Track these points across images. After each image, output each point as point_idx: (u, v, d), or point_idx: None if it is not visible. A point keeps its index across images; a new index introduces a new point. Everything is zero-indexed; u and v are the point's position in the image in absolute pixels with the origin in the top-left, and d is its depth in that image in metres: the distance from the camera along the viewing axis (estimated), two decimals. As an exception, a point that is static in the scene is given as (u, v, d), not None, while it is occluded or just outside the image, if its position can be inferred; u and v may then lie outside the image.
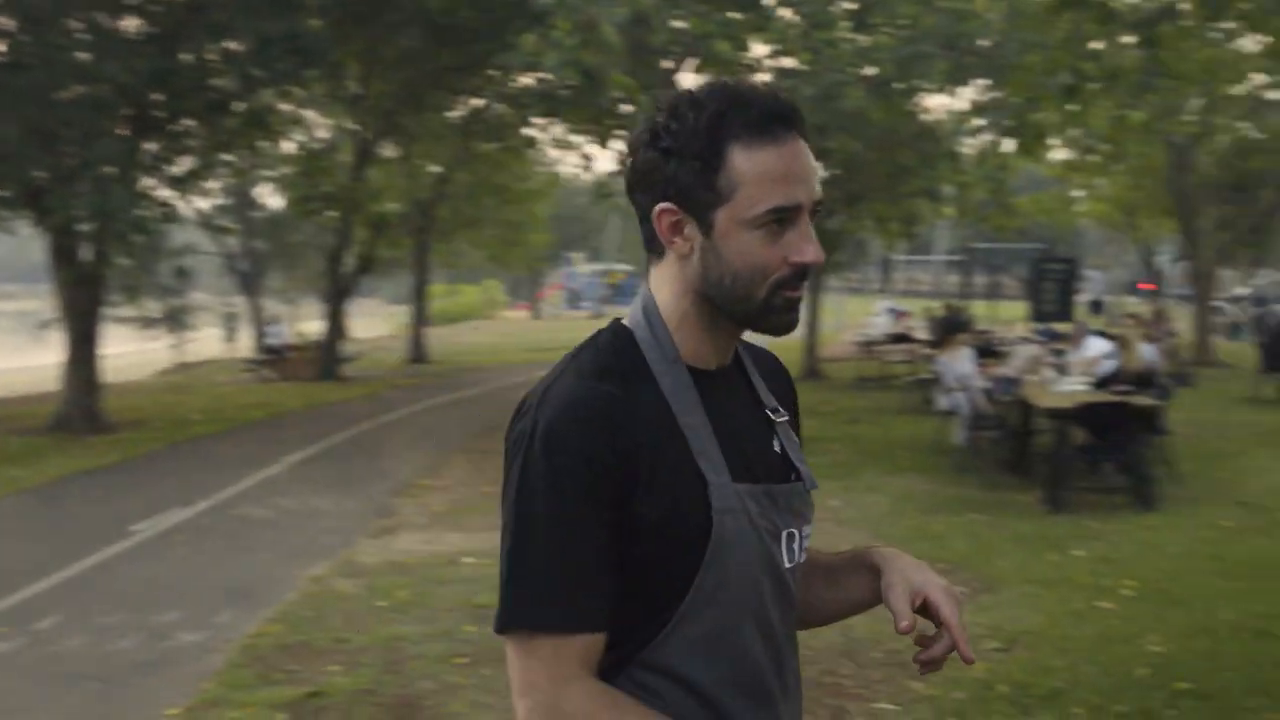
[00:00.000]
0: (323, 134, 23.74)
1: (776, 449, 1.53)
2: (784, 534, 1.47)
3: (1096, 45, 7.88)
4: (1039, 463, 9.81)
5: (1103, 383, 9.89)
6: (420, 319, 27.43)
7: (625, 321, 1.50)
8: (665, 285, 1.47)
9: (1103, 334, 11.86)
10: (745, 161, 1.38)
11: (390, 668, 5.31)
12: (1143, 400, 8.90)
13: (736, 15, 12.74)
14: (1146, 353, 11.28)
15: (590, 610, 1.37)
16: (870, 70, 13.29)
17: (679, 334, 1.46)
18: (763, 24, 12.84)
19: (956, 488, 9.58)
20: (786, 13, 13.15)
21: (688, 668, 1.41)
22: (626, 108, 13.88)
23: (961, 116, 16.85)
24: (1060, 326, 16.65)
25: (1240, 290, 28.31)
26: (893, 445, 11.86)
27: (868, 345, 20.46)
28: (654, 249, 1.47)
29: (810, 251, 1.40)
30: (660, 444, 1.38)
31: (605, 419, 1.36)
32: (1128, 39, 8.08)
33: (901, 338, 20.24)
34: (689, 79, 14.39)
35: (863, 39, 13.46)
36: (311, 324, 27.66)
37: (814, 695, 4.68)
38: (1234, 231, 23.06)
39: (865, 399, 16.48)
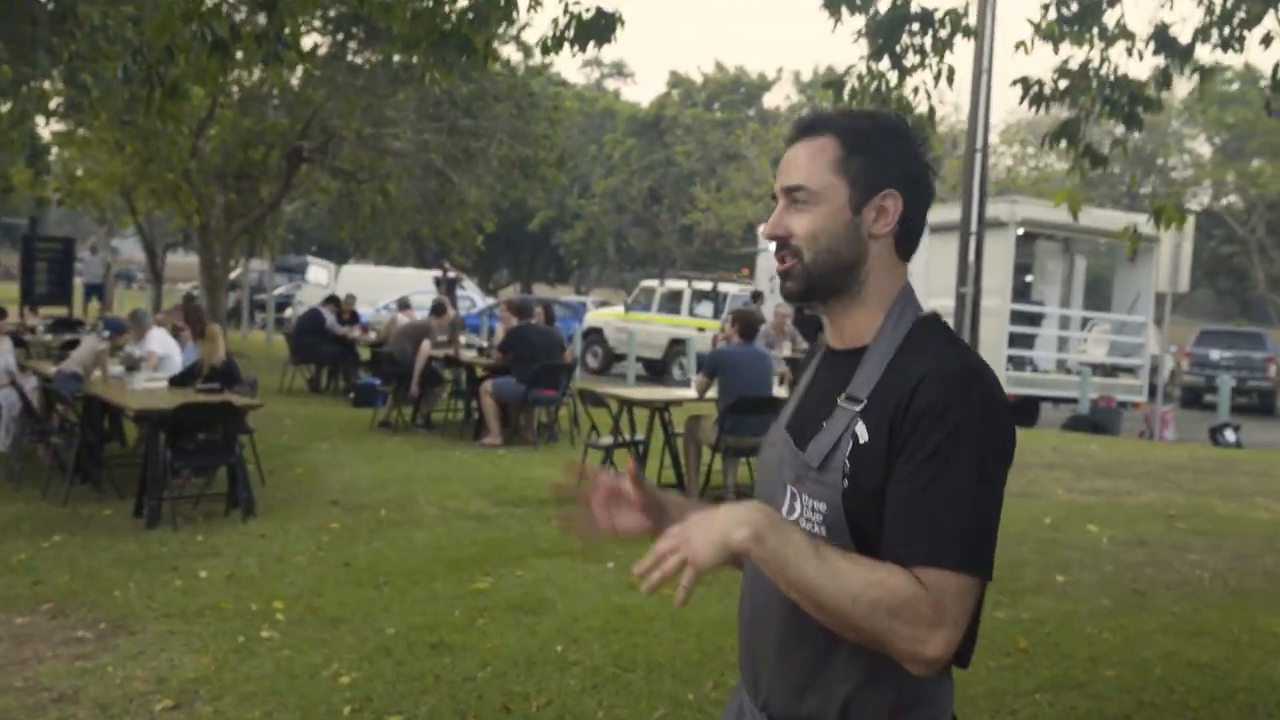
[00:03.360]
0: None
1: (824, 424, 1.66)
2: (789, 489, 1.68)
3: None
4: (117, 471, 8.75)
5: (181, 379, 9.15)
6: None
7: None
8: None
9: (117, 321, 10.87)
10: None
11: None
12: (239, 398, 8.38)
13: None
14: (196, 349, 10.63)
15: None
16: None
17: None
18: None
19: (20, 504, 8.12)
20: None
21: None
22: None
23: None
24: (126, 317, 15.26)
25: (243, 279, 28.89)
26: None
27: None
28: None
29: (768, 227, 1.74)
30: (793, 391, 1.85)
31: None
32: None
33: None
34: None
35: None
36: None
37: None
38: (240, 221, 23.32)
39: None
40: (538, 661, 5.10)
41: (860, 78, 5.91)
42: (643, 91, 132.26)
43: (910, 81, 5.91)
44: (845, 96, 5.96)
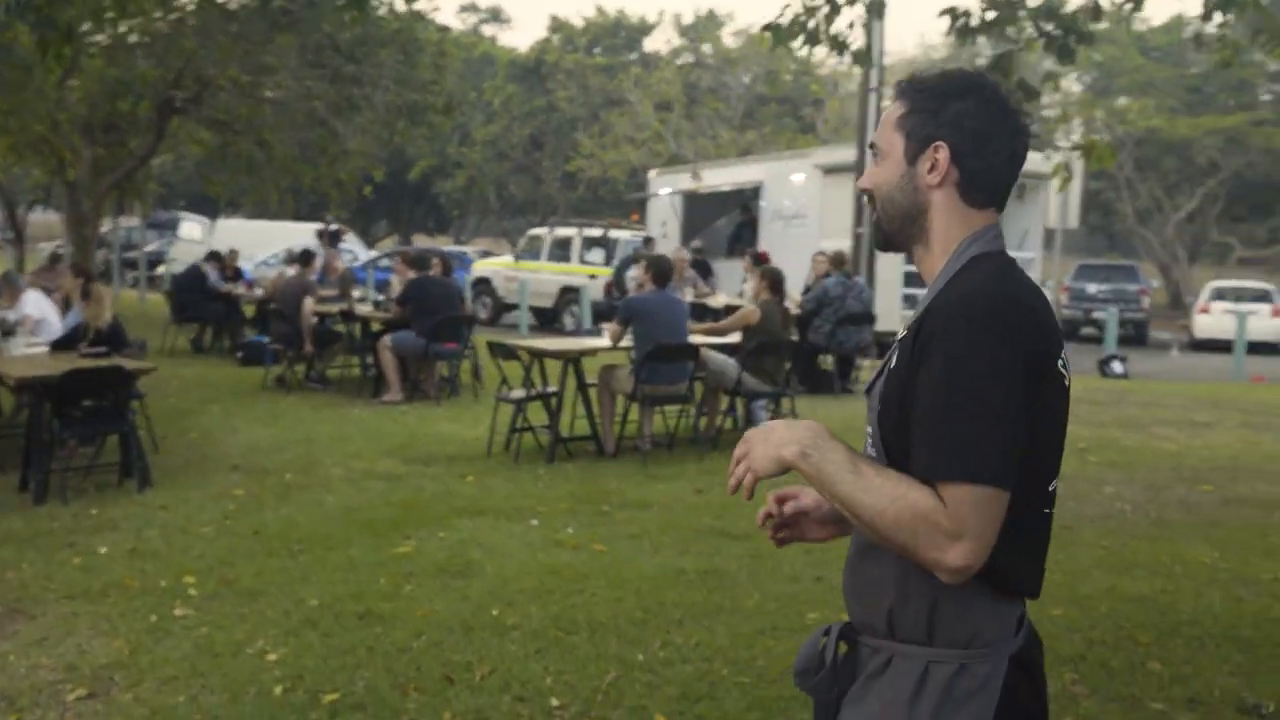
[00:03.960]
0: None
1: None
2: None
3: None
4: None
5: (64, 344, 8.65)
6: None
7: None
8: None
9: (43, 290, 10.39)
10: None
11: None
12: (130, 361, 7.92)
13: None
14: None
15: None
16: None
17: None
18: None
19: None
20: None
21: None
22: None
23: None
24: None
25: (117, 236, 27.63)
26: None
27: None
28: None
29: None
30: None
31: None
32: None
33: None
34: None
35: None
36: None
37: None
38: (109, 175, 22.22)
39: None
40: (474, 627, 4.89)
41: (796, 16, 5.72)
42: (521, 37, 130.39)
43: (846, 15, 5.77)
44: (782, 37, 5.78)
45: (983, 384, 1.60)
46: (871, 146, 1.84)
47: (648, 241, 19.37)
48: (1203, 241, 42.93)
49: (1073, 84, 48.48)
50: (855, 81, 40.73)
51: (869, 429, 1.80)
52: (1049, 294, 19.13)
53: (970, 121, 1.77)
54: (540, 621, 4.96)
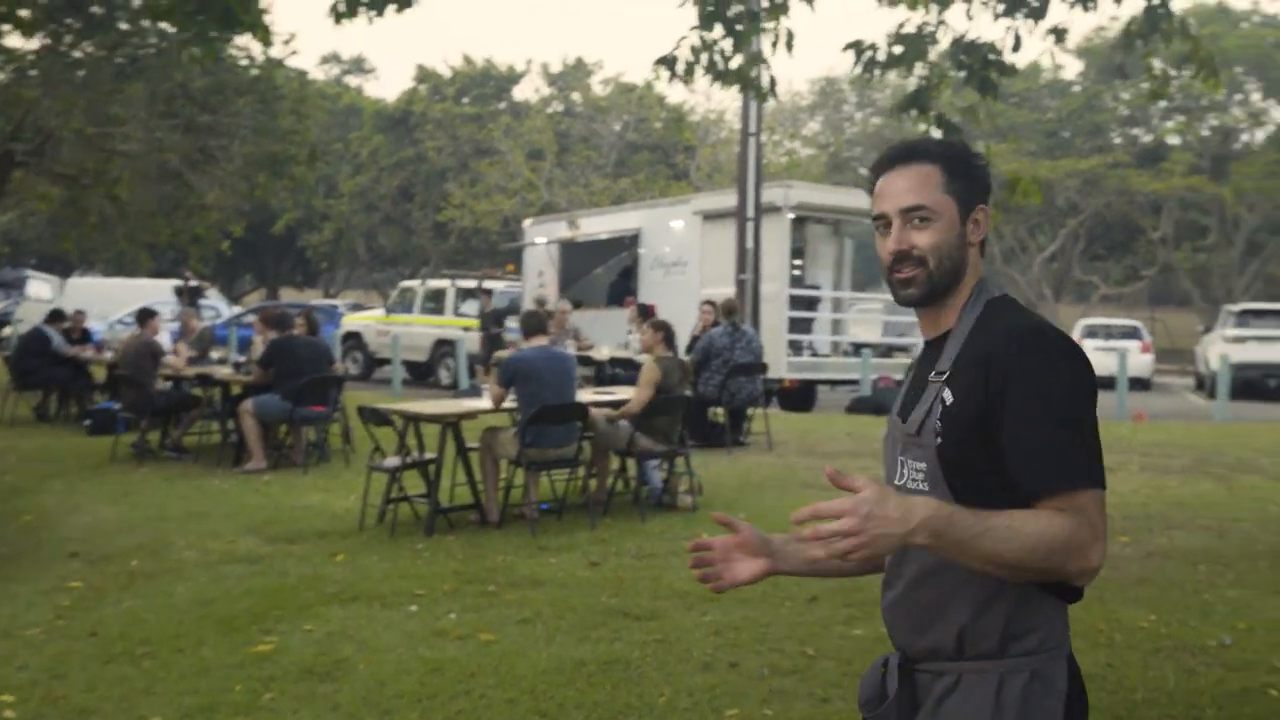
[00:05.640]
0: None
1: (919, 400, 1.94)
2: (899, 459, 1.97)
3: None
4: None
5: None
6: None
7: None
8: None
9: None
10: (877, 188, 1.99)
11: None
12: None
13: None
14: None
15: None
16: None
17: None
18: None
19: None
20: None
21: None
22: None
23: None
24: None
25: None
26: None
27: None
28: None
29: (892, 244, 1.95)
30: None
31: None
32: None
33: None
34: None
35: None
36: None
37: None
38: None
39: None
40: (345, 745, 4.23)
41: (694, 49, 5.26)
42: (387, 88, 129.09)
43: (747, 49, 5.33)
44: (679, 71, 5.31)
45: (1087, 404, 1.81)
46: (913, 210, 1.93)
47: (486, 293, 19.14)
48: (1066, 280, 44.08)
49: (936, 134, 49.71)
50: (727, 129, 41.04)
51: (915, 465, 1.92)
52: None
53: (988, 183, 2.03)
54: (422, 733, 4.32)
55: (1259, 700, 4.46)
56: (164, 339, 12.99)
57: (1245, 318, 22.17)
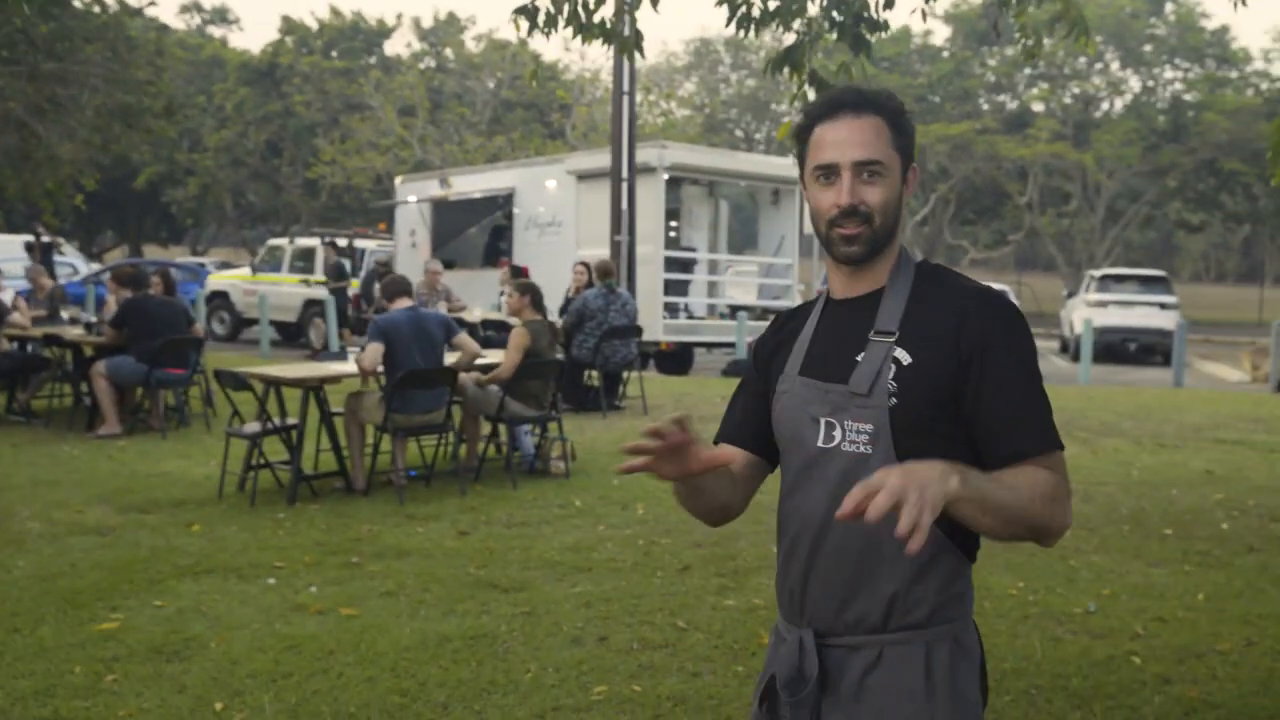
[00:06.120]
0: None
1: (858, 359, 1.86)
2: (823, 421, 1.87)
3: None
4: None
5: None
6: None
7: None
8: None
9: None
10: (817, 134, 1.89)
11: None
12: None
13: None
14: None
15: None
16: None
17: (829, 272, 1.99)
18: None
19: None
20: None
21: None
22: None
23: None
24: None
25: None
26: None
27: None
28: None
29: (845, 197, 1.84)
30: (785, 347, 2.01)
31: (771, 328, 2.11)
32: None
33: None
34: None
35: None
36: None
37: None
38: None
39: None
40: (192, 730, 4.01)
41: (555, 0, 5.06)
42: (252, 39, 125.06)
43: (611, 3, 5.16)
44: (540, 22, 5.10)
45: (1037, 366, 1.86)
46: (866, 164, 1.85)
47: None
48: (937, 244, 44.98)
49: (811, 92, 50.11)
50: (602, 88, 40.67)
51: (857, 426, 1.84)
52: (800, 298, 19.46)
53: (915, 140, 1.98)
54: (274, 713, 4.12)
55: (1123, 668, 4.51)
56: (6, 297, 12.31)
57: (1106, 282, 22.83)
